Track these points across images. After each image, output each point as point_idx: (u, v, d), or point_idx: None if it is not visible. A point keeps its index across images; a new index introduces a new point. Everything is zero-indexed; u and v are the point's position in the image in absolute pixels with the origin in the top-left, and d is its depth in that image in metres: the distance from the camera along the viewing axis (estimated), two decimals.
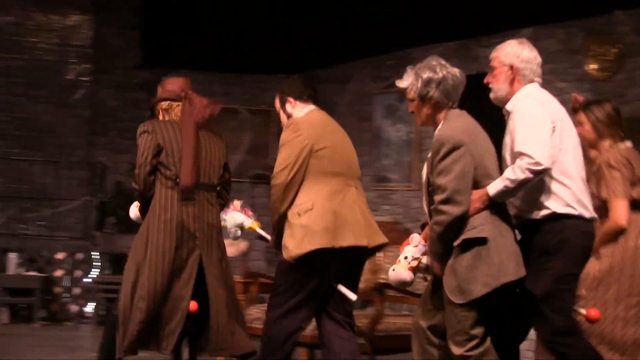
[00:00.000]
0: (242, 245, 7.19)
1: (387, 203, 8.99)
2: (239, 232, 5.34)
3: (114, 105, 9.93)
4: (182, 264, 4.73)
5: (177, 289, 4.71)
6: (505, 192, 4.15)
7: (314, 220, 4.60)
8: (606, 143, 5.03)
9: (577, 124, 4.87)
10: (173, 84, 5.06)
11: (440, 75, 4.29)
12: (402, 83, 4.44)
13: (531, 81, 4.38)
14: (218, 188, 5.00)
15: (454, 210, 4.09)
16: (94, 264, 9.82)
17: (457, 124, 4.23)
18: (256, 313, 5.72)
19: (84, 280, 9.81)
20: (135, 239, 4.80)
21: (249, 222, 5.32)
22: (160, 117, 5.04)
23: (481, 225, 4.12)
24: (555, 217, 4.24)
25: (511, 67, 4.37)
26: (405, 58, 7.78)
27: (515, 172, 4.12)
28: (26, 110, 9.77)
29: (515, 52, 4.38)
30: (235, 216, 5.34)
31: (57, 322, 9.54)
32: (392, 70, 8.62)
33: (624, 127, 5.06)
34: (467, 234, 4.11)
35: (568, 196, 4.26)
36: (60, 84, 9.93)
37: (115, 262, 9.69)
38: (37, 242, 9.75)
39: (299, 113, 4.90)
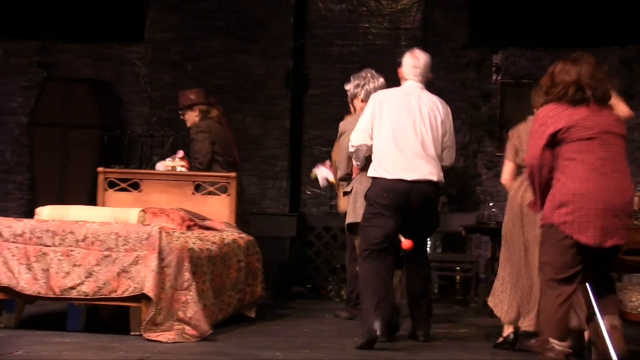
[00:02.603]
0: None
1: None
2: (326, 183, 7.84)
3: (443, 85, 10.03)
4: None
5: None
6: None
7: None
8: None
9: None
10: (199, 92, 7.81)
11: None
12: None
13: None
14: None
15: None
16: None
17: None
18: None
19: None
20: None
21: (332, 177, 7.59)
22: (197, 117, 7.70)
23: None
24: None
25: None
26: None
27: None
28: None
29: None
30: (323, 171, 7.74)
31: None
32: None
33: None
34: None
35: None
36: (391, 67, 10.16)
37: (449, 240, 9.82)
38: None
39: None
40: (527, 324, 5.95)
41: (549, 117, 4.76)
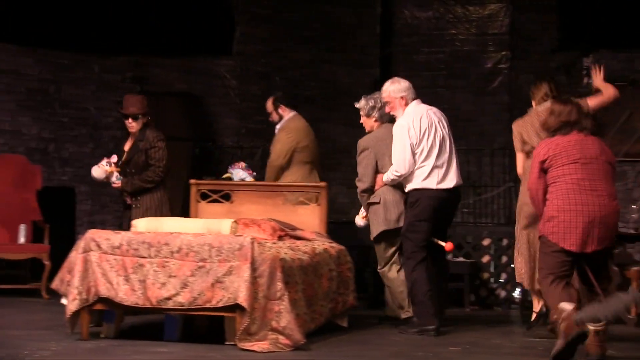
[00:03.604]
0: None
1: None
2: None
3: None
4: None
5: None
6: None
7: None
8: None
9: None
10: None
11: None
12: None
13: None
14: None
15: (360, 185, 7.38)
16: None
17: None
18: None
19: (511, 265, 9.85)
20: None
21: (249, 178, 7.79)
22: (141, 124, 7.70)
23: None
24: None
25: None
26: None
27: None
28: (447, 101, 10.06)
29: None
30: (239, 173, 7.79)
31: (486, 306, 9.65)
32: None
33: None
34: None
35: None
36: (479, 73, 10.15)
37: None
38: (463, 229, 9.97)
39: None
40: None
41: (541, 148, 5.88)
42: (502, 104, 10.08)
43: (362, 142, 7.41)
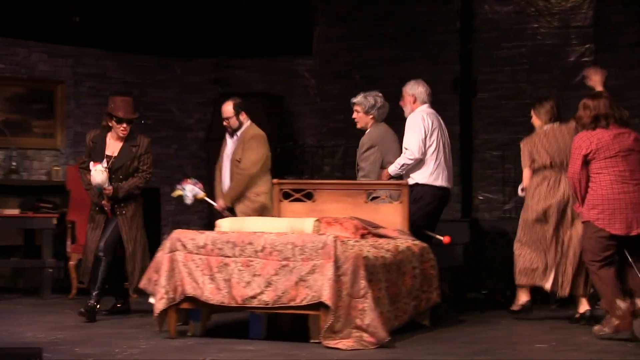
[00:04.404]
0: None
1: None
2: (193, 200, 8.17)
3: (617, 84, 9.72)
4: None
5: None
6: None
7: None
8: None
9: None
10: None
11: None
12: None
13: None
14: None
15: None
16: None
17: None
18: None
19: None
20: None
21: (201, 193, 8.13)
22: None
23: None
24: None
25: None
26: None
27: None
28: (529, 96, 9.91)
29: None
30: (189, 188, 8.07)
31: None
32: None
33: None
34: None
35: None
36: (562, 67, 9.99)
37: None
38: None
39: None
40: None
41: (582, 142, 6.54)
42: None
43: (368, 139, 7.68)
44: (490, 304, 8.87)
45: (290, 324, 6.75)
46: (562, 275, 7.39)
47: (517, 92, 10.10)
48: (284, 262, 6.19)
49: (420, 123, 7.62)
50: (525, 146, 7.63)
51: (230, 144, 8.28)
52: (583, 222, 6.65)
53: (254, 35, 11.12)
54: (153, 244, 8.00)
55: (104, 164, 7.55)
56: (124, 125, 7.59)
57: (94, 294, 7.44)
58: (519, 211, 7.87)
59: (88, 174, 7.57)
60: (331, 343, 5.97)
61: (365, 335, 6.05)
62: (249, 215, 7.87)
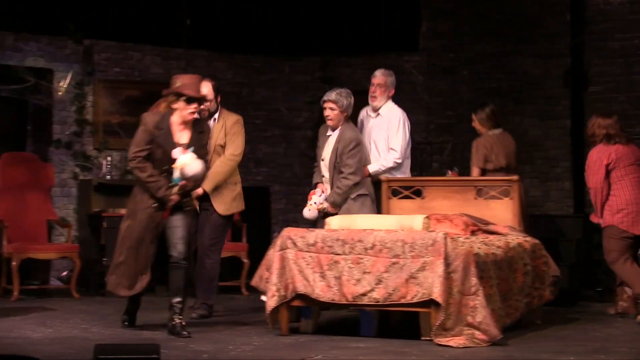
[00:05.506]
0: None
1: None
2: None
3: None
4: None
5: None
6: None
7: None
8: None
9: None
10: None
11: None
12: None
13: None
14: None
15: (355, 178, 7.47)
16: None
17: None
18: None
19: None
20: None
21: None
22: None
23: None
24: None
25: None
26: None
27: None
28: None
29: None
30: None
31: None
32: None
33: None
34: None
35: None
36: None
37: None
38: None
39: None
40: None
41: (602, 154, 7.48)
42: None
43: (354, 136, 7.62)
44: (606, 302, 8.68)
45: (400, 321, 6.75)
46: None
47: (631, 85, 9.83)
48: (394, 260, 6.20)
49: (408, 125, 7.90)
50: (479, 147, 8.12)
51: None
52: (605, 228, 7.50)
53: (361, 32, 11.15)
54: (263, 242, 8.10)
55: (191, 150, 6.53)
56: (195, 105, 6.58)
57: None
58: None
59: (146, 163, 6.61)
60: (442, 341, 5.96)
61: (477, 333, 6.01)
62: (229, 203, 7.62)
